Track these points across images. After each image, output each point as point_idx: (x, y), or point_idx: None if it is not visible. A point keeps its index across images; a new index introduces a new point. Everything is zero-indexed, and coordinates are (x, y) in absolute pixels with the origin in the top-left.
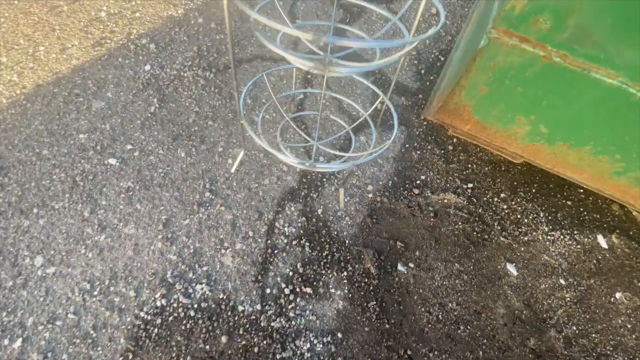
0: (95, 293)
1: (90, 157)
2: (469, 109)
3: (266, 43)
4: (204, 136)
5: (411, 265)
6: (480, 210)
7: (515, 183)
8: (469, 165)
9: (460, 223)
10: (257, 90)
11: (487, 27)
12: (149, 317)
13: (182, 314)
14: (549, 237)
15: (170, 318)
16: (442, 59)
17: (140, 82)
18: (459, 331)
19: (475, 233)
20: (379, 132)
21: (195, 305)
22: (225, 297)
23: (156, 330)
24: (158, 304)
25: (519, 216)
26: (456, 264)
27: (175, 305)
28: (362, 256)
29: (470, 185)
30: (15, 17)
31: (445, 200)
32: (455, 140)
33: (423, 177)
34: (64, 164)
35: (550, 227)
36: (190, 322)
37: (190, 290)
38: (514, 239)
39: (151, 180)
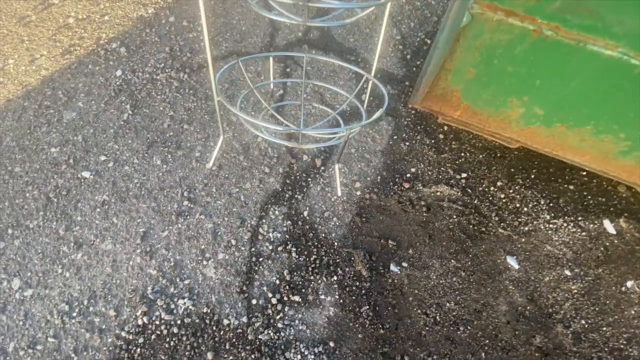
0: (74, 314)
1: (63, 171)
2: (457, 93)
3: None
4: (180, 141)
5: (404, 264)
6: (476, 201)
7: (512, 170)
8: (462, 154)
9: (455, 216)
10: (234, 88)
11: (469, 1)
12: (130, 337)
13: (165, 332)
14: (551, 226)
15: (153, 336)
16: (429, 42)
17: (112, 88)
18: (458, 332)
19: (471, 226)
20: (367, 112)
21: (179, 322)
22: (209, 311)
23: (139, 349)
24: (140, 322)
25: (517, 205)
26: (453, 261)
27: (157, 322)
28: (352, 258)
29: (464, 175)
30: None
31: (438, 193)
32: (445, 128)
33: (413, 170)
34: (37, 180)
35: (552, 214)
36: (174, 339)
37: (173, 306)
38: (514, 229)
39: (127, 191)
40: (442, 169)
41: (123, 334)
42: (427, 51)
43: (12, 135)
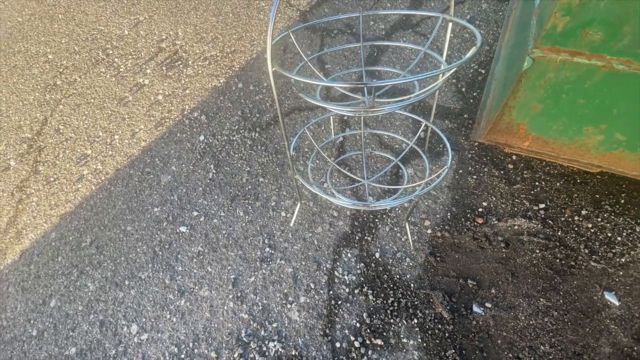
0: (182, 356)
1: (164, 227)
2: (524, 126)
3: (310, 100)
4: (257, 193)
5: (488, 305)
6: (559, 233)
7: (597, 196)
8: (537, 183)
9: (537, 251)
10: (297, 140)
11: (528, 47)
12: None
13: None
14: None
15: None
16: (483, 72)
17: (197, 152)
18: None
19: (558, 260)
20: (429, 159)
21: None
22: (297, 353)
23: None
24: None
25: (609, 234)
26: (541, 299)
27: None
28: (431, 300)
29: (542, 205)
30: (94, 114)
31: (516, 227)
32: (514, 157)
33: (485, 204)
34: (145, 237)
35: None
36: None
37: (265, 348)
38: (608, 262)
39: (217, 242)
40: (516, 200)
41: None
42: (482, 82)
43: (123, 199)
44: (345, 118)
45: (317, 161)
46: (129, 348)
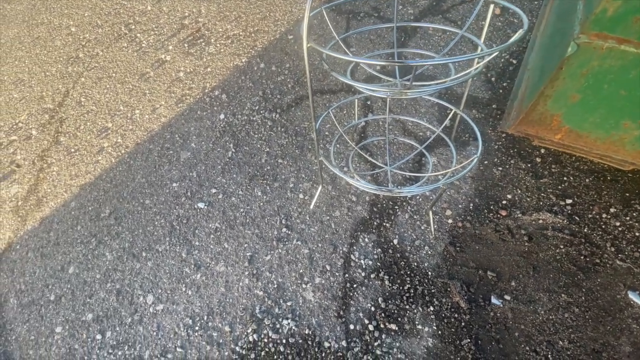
0: (197, 328)
1: (182, 203)
2: (559, 117)
3: (342, 78)
4: (276, 174)
5: (507, 297)
6: (585, 230)
7: (627, 194)
8: (565, 178)
9: (562, 246)
10: (320, 123)
11: (574, 32)
12: (243, 352)
13: (272, 349)
14: None
15: (263, 353)
16: (514, 62)
17: (217, 130)
18: None
19: (582, 257)
20: (456, 147)
21: (284, 341)
22: (310, 332)
23: None
24: (250, 339)
25: (637, 234)
26: (563, 295)
27: (265, 340)
28: (449, 289)
29: (569, 201)
30: (115, 88)
31: (540, 221)
32: (542, 151)
33: (509, 196)
34: (163, 210)
35: None
36: (280, 357)
37: (278, 326)
38: (634, 261)
39: (234, 219)
40: (542, 194)
41: (237, 348)
42: (513, 72)
43: (142, 173)
44: (369, 102)
45: (338, 145)
46: (144, 317)
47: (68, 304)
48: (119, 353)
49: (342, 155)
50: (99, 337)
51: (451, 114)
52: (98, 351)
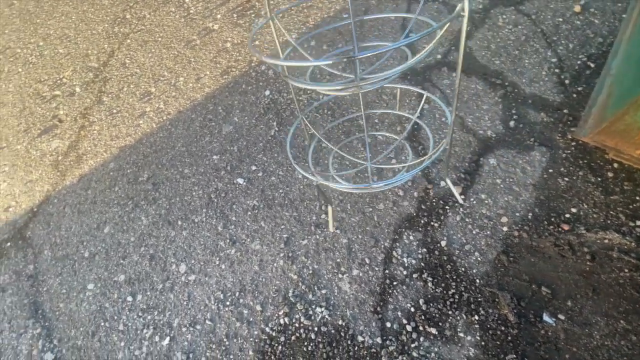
0: (228, 303)
1: (222, 176)
2: None
3: (297, 84)
4: (319, 158)
5: (561, 317)
6: None
7: None
8: (637, 198)
9: (626, 270)
10: (301, 135)
11: None
12: (273, 334)
13: (303, 335)
14: None
15: (293, 337)
16: (592, 65)
17: (261, 106)
18: None
19: None
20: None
21: (316, 329)
22: (344, 324)
23: (280, 347)
24: (282, 321)
25: None
26: (621, 321)
27: (297, 325)
28: (497, 300)
29: (639, 222)
30: (160, 53)
31: (606, 241)
32: (616, 165)
33: (574, 210)
34: (201, 182)
35: None
36: (311, 344)
37: (311, 312)
38: None
39: (273, 199)
40: (611, 212)
41: (267, 329)
42: (590, 76)
43: (183, 141)
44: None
45: (322, 154)
46: (175, 285)
47: (101, 263)
48: (149, 317)
49: (325, 157)
50: (129, 299)
51: (424, 99)
52: (128, 312)
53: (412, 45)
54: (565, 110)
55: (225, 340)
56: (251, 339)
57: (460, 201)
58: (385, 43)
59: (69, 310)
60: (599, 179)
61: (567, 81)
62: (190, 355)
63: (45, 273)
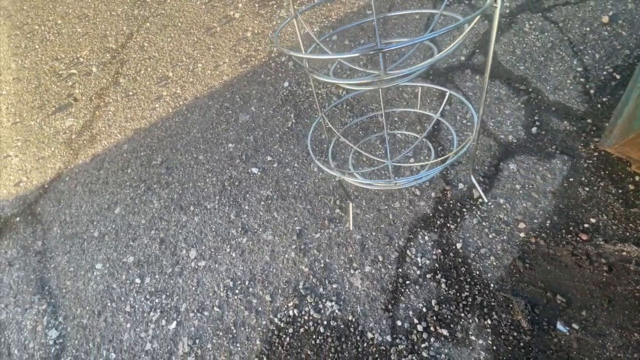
0: (237, 291)
1: (236, 165)
2: None
3: (322, 78)
4: (335, 152)
5: (575, 326)
6: None
7: None
8: None
9: None
10: (319, 129)
11: None
12: (282, 325)
13: (312, 328)
14: None
15: (302, 330)
16: (618, 77)
17: (280, 97)
18: None
19: None
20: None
21: (325, 322)
22: (354, 320)
23: (288, 339)
24: (291, 313)
25: None
26: (636, 334)
27: (306, 317)
28: (511, 305)
29: None
30: (179, 38)
31: (624, 253)
32: (637, 178)
33: (593, 221)
34: (216, 169)
35: None
36: (319, 338)
37: (321, 306)
38: None
39: (287, 191)
40: (630, 225)
41: (276, 320)
42: (615, 87)
43: (198, 128)
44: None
45: (340, 147)
46: (185, 270)
47: (111, 243)
48: (156, 300)
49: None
50: (138, 280)
51: (446, 97)
52: (135, 294)
53: (437, 43)
54: (589, 120)
55: (232, 328)
56: (259, 329)
57: (484, 198)
58: (413, 40)
59: (76, 288)
60: (620, 191)
61: (592, 91)
62: (197, 341)
63: (53, 250)
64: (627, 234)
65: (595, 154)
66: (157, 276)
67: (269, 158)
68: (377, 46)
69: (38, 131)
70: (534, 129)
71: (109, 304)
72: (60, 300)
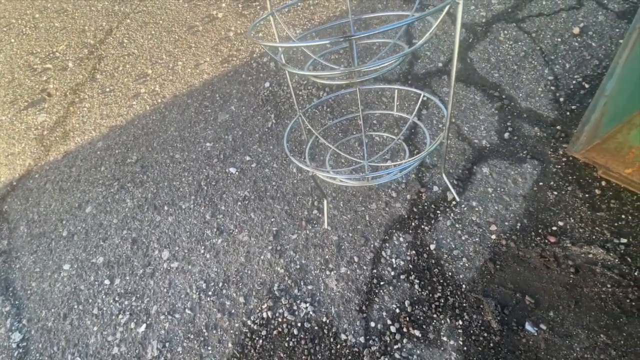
0: (210, 293)
1: (214, 164)
2: (636, 151)
3: (295, 71)
4: (314, 154)
5: (543, 326)
6: (636, 274)
7: None
8: (623, 216)
9: (609, 285)
10: (299, 130)
11: None
12: (255, 327)
13: (286, 330)
14: None
15: (275, 332)
16: (587, 86)
17: (260, 98)
18: None
19: (628, 301)
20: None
21: (299, 324)
22: (328, 321)
23: (261, 341)
24: (264, 315)
25: None
26: (602, 335)
27: (280, 319)
28: (482, 306)
29: (623, 240)
30: (160, 35)
31: (590, 255)
32: (604, 183)
33: (561, 224)
34: (192, 168)
35: None
36: (293, 340)
37: (295, 308)
38: None
39: (265, 191)
40: (596, 228)
41: (249, 322)
42: (584, 96)
43: (176, 126)
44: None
45: (318, 148)
46: (157, 272)
47: (80, 243)
48: (125, 302)
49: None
50: (107, 282)
51: (420, 98)
52: (104, 296)
53: (412, 42)
54: (558, 127)
55: (204, 330)
56: (231, 331)
57: (457, 198)
58: (386, 40)
59: (42, 290)
60: (587, 195)
61: (561, 99)
62: (167, 345)
63: (19, 250)
64: (594, 237)
65: (564, 159)
66: (127, 277)
67: (248, 158)
68: (350, 33)
69: (9, 126)
70: (506, 134)
71: (75, 306)
72: (25, 302)
